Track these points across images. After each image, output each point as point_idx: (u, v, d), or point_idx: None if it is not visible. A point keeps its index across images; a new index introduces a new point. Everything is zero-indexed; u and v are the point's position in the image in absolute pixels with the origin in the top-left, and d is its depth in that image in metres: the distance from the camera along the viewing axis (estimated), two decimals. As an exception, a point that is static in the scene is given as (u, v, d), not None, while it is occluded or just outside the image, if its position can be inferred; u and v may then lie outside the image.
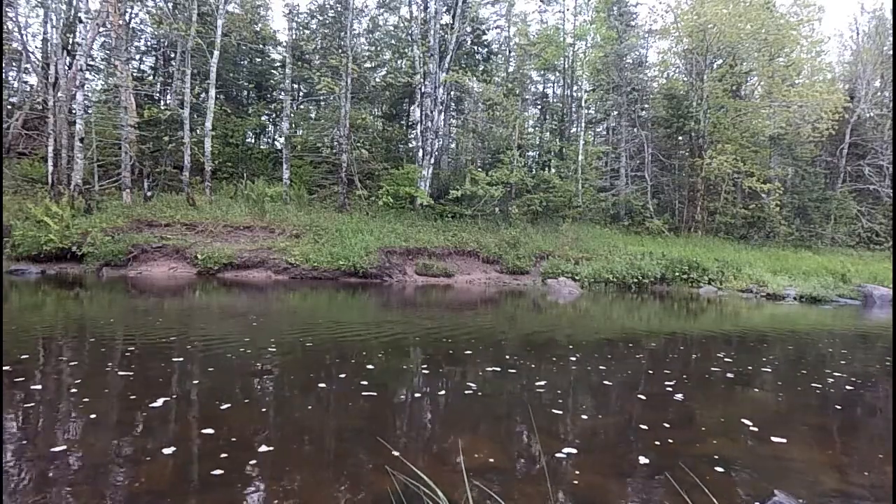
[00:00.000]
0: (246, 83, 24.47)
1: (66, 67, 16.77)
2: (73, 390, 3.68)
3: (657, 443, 3.05)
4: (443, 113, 21.01)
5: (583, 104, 24.09)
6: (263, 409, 3.50)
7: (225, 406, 3.44)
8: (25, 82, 21.89)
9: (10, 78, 21.33)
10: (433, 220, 18.36)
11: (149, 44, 23.92)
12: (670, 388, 4.29)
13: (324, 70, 19.70)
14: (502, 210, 20.01)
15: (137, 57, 23.25)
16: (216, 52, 17.24)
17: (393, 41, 23.92)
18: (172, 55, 21.45)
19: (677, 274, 15.81)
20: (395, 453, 2.71)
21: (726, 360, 5.71)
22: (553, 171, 23.27)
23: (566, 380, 4.63)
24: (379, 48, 25.36)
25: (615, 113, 25.13)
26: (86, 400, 3.46)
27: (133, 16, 21.78)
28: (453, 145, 27.22)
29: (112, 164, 17.43)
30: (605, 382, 4.50)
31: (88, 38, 16.84)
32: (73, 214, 14.25)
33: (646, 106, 24.93)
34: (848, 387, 4.61)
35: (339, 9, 22.22)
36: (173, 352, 4.97)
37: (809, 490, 2.54)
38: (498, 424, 3.43)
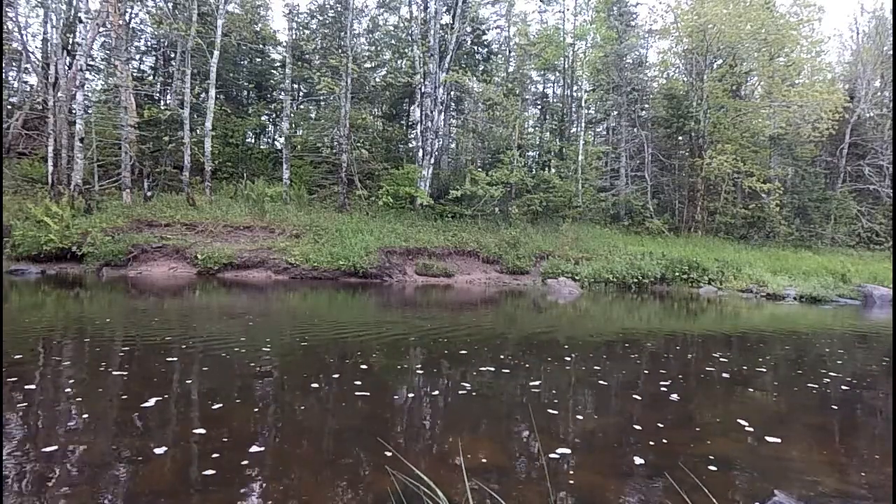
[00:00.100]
0: (246, 83, 24.48)
1: (66, 67, 16.78)
2: (67, 390, 3.68)
3: (657, 443, 3.05)
4: (443, 113, 21.01)
5: (583, 104, 24.09)
6: (256, 410, 3.49)
7: (217, 406, 3.44)
8: (25, 82, 21.91)
9: (10, 78, 21.35)
10: (433, 220, 18.36)
11: (149, 44, 23.93)
12: (670, 389, 4.28)
13: (324, 70, 19.71)
14: (502, 210, 20.02)
15: (137, 57, 23.26)
16: (216, 52, 17.25)
17: (393, 41, 23.92)
18: (172, 55, 21.46)
19: (677, 274, 15.81)
20: (388, 454, 2.70)
21: (725, 360, 5.71)
22: (553, 171, 23.27)
23: (566, 380, 4.63)
24: (379, 48, 25.37)
25: (615, 113, 25.13)
26: (78, 399, 3.46)
27: (133, 16, 21.80)
28: (453, 145, 27.23)
29: (112, 164, 17.44)
30: (605, 383, 4.49)
31: (88, 38, 16.85)
32: (73, 214, 14.26)
33: (646, 106, 24.94)
34: (844, 387, 4.61)
35: (339, 9, 22.22)
36: (169, 352, 4.96)
37: (809, 490, 2.54)
38: (498, 424, 3.43)
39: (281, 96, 21.58)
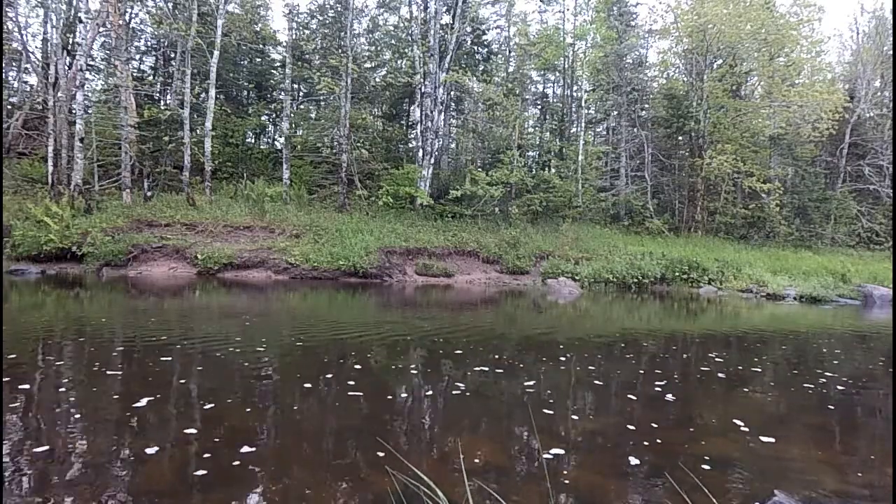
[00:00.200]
0: (246, 83, 24.48)
1: (66, 67, 16.78)
2: (62, 390, 3.68)
3: (657, 443, 3.05)
4: (443, 113, 21.01)
5: (583, 104, 24.09)
6: (256, 410, 3.50)
7: (217, 406, 3.44)
8: (25, 82, 21.91)
9: (10, 78, 21.35)
10: (433, 220, 18.36)
11: (149, 44, 23.93)
12: (670, 389, 4.28)
13: (324, 70, 19.71)
14: (502, 210, 20.02)
15: (137, 57, 23.26)
16: (216, 52, 17.25)
17: (393, 41, 23.92)
18: (172, 55, 21.46)
19: (677, 274, 15.81)
20: (384, 454, 2.70)
21: (725, 360, 5.71)
22: (553, 171, 23.27)
23: (565, 380, 4.63)
24: (379, 48, 25.37)
25: (615, 113, 25.13)
26: (71, 399, 3.46)
27: (133, 16, 21.80)
28: (453, 145, 27.23)
29: (112, 164, 17.44)
30: (605, 383, 4.49)
31: (88, 38, 16.85)
32: (73, 214, 14.25)
33: (646, 106, 24.94)
34: (843, 387, 4.61)
35: (339, 9, 22.22)
36: (164, 352, 4.96)
37: (808, 489, 2.54)
38: (497, 424, 3.43)
39: (281, 96, 21.58)
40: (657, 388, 4.27)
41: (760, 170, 21.94)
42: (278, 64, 24.43)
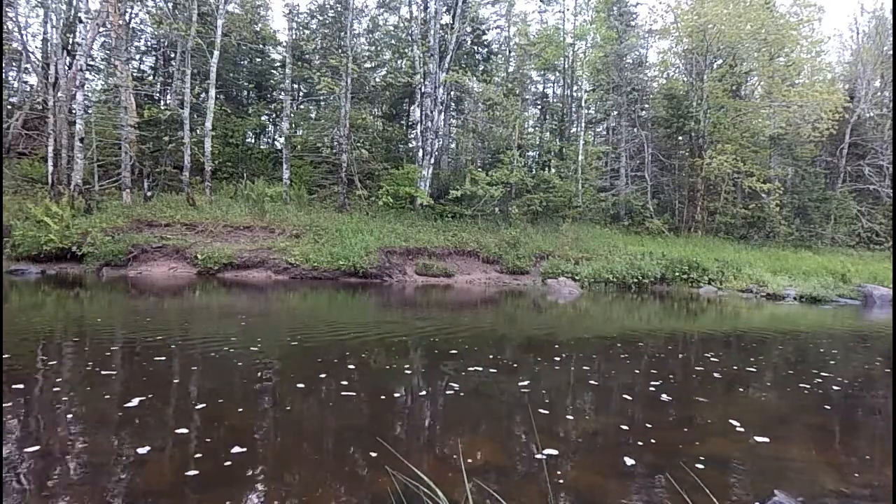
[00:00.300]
0: (246, 83, 24.48)
1: (66, 67, 16.78)
2: (56, 389, 3.67)
3: (657, 443, 3.05)
4: (443, 113, 21.01)
5: (583, 104, 24.09)
6: (256, 410, 3.50)
7: (215, 406, 3.44)
8: (25, 82, 21.91)
9: (10, 78, 21.35)
10: (433, 220, 18.36)
11: (149, 44, 23.93)
12: (671, 389, 4.29)
13: (324, 70, 19.71)
14: (502, 210, 20.02)
15: (137, 57, 23.26)
16: (216, 52, 17.25)
17: (393, 41, 23.92)
18: (172, 55, 21.46)
19: (677, 274, 15.81)
20: (380, 454, 2.70)
21: (723, 360, 5.71)
22: (553, 171, 23.28)
23: (565, 380, 4.63)
24: (379, 48, 25.37)
25: (615, 113, 25.14)
26: (64, 399, 3.45)
27: (133, 16, 21.80)
28: (453, 145, 27.23)
29: (112, 164, 17.44)
30: (605, 383, 4.50)
31: (88, 38, 16.85)
32: (73, 214, 14.26)
33: (646, 106, 24.94)
34: (840, 388, 4.61)
35: (339, 9, 22.22)
36: (159, 352, 4.96)
37: (808, 489, 2.54)
38: (497, 424, 3.43)
39: (281, 96, 21.58)
40: (657, 389, 4.27)
41: (760, 170, 21.94)
42: (278, 64, 24.43)
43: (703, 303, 12.50)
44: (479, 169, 20.94)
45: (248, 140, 24.48)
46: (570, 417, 3.55)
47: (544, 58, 24.35)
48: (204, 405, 3.47)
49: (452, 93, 22.78)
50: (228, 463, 2.56)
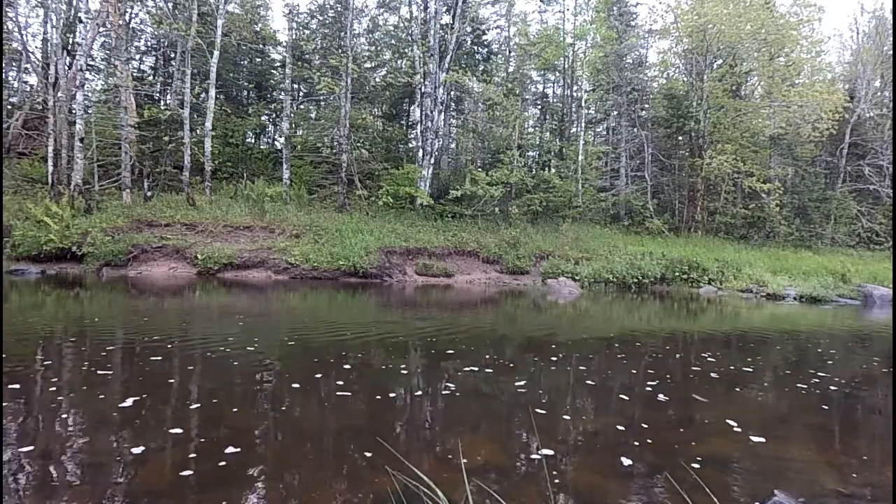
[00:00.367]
0: (246, 83, 24.48)
1: (66, 67, 16.78)
2: (52, 389, 3.68)
3: (656, 443, 3.05)
4: (443, 113, 21.01)
5: (583, 104, 24.09)
6: (255, 411, 3.50)
7: (215, 407, 3.44)
8: (25, 82, 21.91)
9: (10, 78, 21.35)
10: (433, 220, 18.36)
11: (149, 44, 23.93)
12: (671, 389, 4.28)
13: (324, 70, 19.71)
14: (502, 210, 20.02)
15: (137, 57, 23.26)
16: (216, 52, 17.25)
17: (393, 41, 23.92)
18: (172, 55, 21.46)
19: (677, 274, 15.80)
20: (380, 454, 2.70)
21: (724, 360, 5.71)
22: (553, 171, 23.27)
23: (565, 380, 4.63)
24: (379, 48, 25.37)
25: (615, 113, 25.13)
26: (62, 399, 3.45)
27: (133, 16, 21.80)
28: (453, 145, 27.23)
29: (112, 164, 17.44)
30: (605, 383, 4.50)
31: (88, 38, 16.85)
32: (73, 214, 14.26)
33: (646, 106, 24.94)
34: (839, 387, 4.61)
35: (339, 9, 22.22)
36: (158, 352, 4.96)
37: (808, 489, 2.54)
38: (497, 425, 3.43)
39: (281, 96, 21.58)
40: (655, 389, 4.27)
41: (760, 170, 21.93)
42: (278, 64, 24.43)
43: (702, 303, 12.50)
44: (479, 169, 20.94)
45: (248, 140, 24.48)
46: (570, 417, 3.55)
47: (544, 58, 24.35)
48: (202, 405, 3.47)
49: (452, 93, 22.78)
50: (226, 463, 2.56)
